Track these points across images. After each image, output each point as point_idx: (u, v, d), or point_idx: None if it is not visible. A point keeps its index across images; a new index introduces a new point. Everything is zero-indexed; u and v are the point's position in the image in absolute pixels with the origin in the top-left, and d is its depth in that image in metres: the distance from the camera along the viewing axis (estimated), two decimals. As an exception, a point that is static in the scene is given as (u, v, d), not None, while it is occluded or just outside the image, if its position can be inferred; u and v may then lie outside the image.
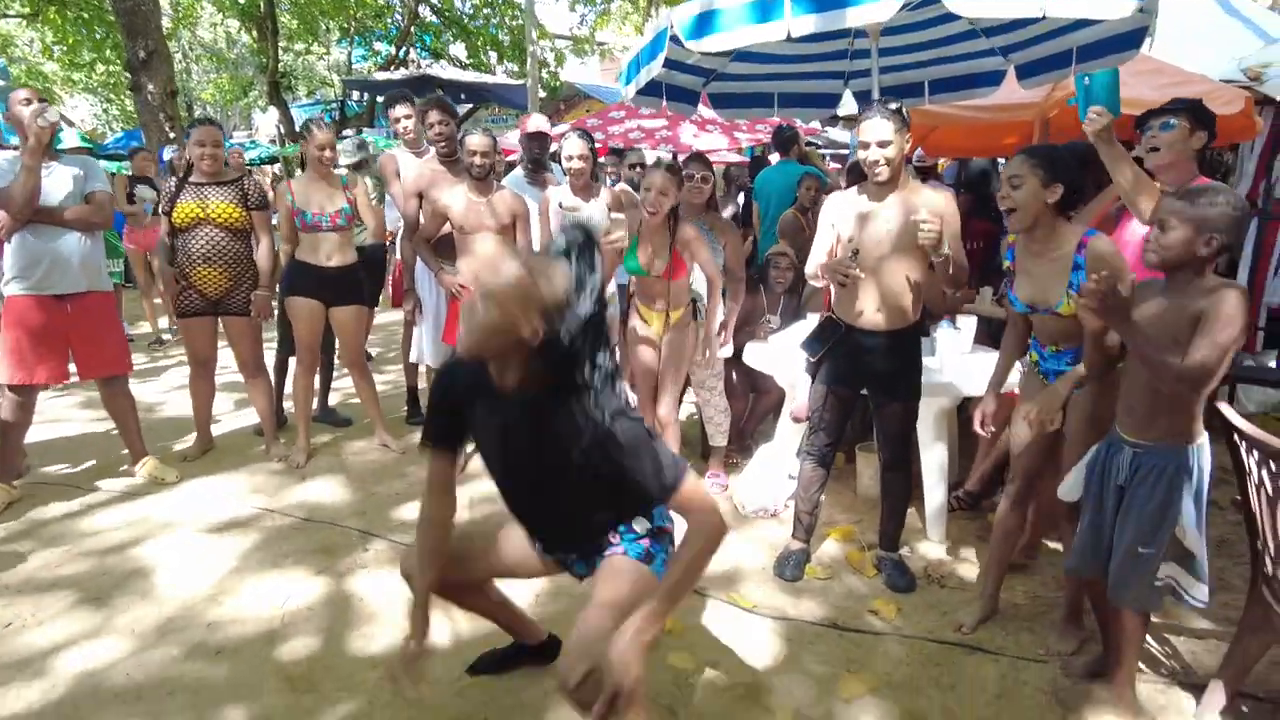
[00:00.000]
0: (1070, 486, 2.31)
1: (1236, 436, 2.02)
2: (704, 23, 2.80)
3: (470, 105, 14.55)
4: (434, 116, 4.08)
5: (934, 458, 3.29)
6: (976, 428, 2.67)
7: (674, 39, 2.91)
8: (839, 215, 2.81)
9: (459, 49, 17.90)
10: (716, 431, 3.90)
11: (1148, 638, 2.46)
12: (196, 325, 3.99)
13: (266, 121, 20.20)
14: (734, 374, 4.23)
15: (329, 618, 2.71)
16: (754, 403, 4.30)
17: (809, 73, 4.44)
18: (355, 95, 16.26)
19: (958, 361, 3.39)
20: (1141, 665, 2.37)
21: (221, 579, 2.96)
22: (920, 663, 2.48)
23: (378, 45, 18.71)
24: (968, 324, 3.66)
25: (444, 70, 15.55)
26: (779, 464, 3.61)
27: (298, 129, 4.21)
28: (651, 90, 4.19)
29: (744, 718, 2.22)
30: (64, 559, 3.11)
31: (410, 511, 3.55)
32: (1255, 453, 1.95)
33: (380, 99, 14.55)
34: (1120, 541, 2.10)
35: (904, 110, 2.62)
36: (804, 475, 3.03)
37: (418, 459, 4.19)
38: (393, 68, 16.44)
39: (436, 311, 4.23)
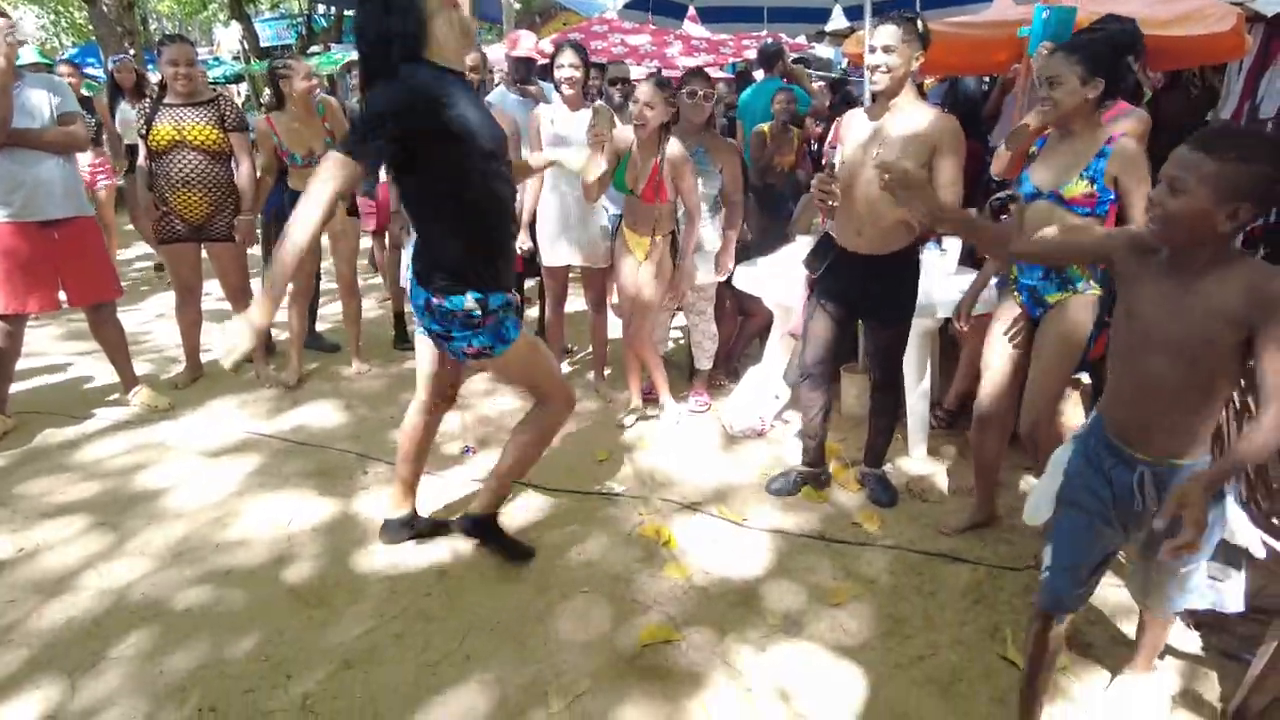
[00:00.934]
0: (1034, 507, 1.84)
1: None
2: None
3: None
4: None
5: (917, 377, 3.38)
6: (957, 324, 2.83)
7: None
8: (845, 136, 2.79)
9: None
10: (702, 355, 3.95)
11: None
12: (179, 252, 3.94)
13: (229, 37, 19.31)
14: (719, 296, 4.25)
15: (333, 537, 2.80)
16: (742, 325, 4.35)
17: (799, -15, 4.35)
18: (321, 9, 15.59)
19: (943, 282, 3.45)
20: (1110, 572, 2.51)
21: (226, 501, 3.03)
22: (903, 571, 2.61)
23: (343, -47, 17.84)
24: (953, 246, 3.70)
25: (414, -20, 14.88)
26: (766, 385, 3.68)
27: (270, 63, 4.12)
28: (638, 4, 4.09)
29: (738, 623, 2.35)
30: (69, 485, 3.15)
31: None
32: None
33: (349, 12, 13.95)
34: (1163, 567, 1.74)
35: (920, 25, 2.57)
36: (801, 398, 3.06)
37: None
38: (359, -23, 15.71)
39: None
